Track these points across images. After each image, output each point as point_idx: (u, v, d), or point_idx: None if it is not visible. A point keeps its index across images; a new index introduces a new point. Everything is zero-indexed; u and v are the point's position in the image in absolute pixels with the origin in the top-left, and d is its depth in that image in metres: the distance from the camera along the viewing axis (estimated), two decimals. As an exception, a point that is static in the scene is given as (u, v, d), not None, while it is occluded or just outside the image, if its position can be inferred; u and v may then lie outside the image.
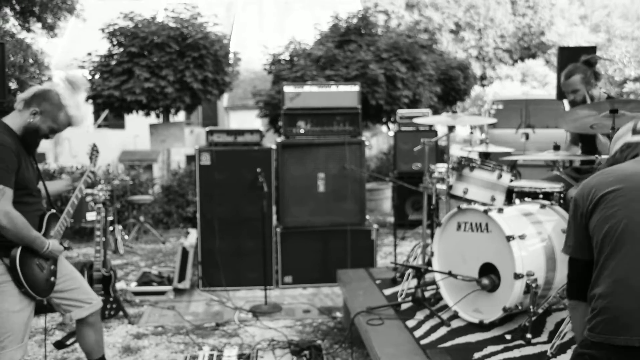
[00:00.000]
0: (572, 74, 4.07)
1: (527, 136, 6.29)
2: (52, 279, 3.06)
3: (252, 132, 5.72)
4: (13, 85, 8.41)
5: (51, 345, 4.01)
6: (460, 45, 32.89)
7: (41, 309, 3.83)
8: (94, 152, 3.54)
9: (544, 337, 3.25)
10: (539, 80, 29.43)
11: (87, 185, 3.36)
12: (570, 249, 2.15)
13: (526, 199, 3.90)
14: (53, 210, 3.12)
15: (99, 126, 17.26)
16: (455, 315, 3.61)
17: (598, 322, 1.90)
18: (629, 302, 1.86)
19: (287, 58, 10.89)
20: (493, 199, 4.01)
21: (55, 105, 2.95)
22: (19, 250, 2.83)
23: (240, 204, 5.60)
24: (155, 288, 5.49)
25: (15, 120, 2.94)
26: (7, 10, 9.62)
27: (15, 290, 2.85)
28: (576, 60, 4.18)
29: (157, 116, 10.61)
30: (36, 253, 2.92)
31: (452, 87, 13.30)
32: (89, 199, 7.05)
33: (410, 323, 3.59)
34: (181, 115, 12.96)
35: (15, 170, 2.81)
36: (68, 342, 3.90)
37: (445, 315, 3.62)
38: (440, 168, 4.56)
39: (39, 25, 10.36)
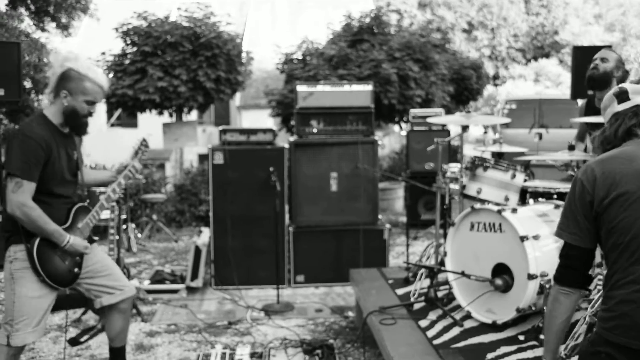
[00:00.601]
0: (615, 52, 4.05)
1: (540, 136, 6.24)
2: (76, 270, 3.10)
3: (265, 131, 5.73)
4: (28, 84, 8.48)
5: (65, 342, 4.04)
6: (473, 45, 32.71)
7: (58, 306, 3.86)
8: (141, 146, 3.47)
9: (557, 338, 3.23)
10: (552, 80, 29.20)
11: (129, 179, 3.36)
12: (573, 236, 2.02)
13: (540, 199, 3.89)
14: (83, 203, 3.17)
15: (112, 125, 17.36)
16: (468, 316, 3.60)
17: (619, 324, 1.85)
18: None
19: (300, 57, 10.90)
20: (507, 199, 3.99)
21: (78, 79, 2.99)
22: (37, 239, 2.90)
23: (252, 202, 5.62)
24: (168, 286, 5.52)
25: (51, 111, 3.03)
26: (22, 10, 9.71)
27: (34, 277, 2.92)
28: (589, 60, 4.14)
29: (170, 115, 10.66)
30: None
31: (464, 87, 13.21)
32: (102, 197, 7.11)
33: (423, 323, 3.59)
34: (194, 115, 13.00)
35: (40, 164, 2.87)
36: (82, 339, 3.92)
37: (458, 316, 3.60)
38: (453, 168, 4.54)
39: (54, 24, 10.45)
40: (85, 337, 3.92)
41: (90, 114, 3.05)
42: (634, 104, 2.01)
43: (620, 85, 2.04)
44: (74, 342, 3.91)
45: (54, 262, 2.97)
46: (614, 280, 1.92)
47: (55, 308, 3.38)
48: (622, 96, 2.02)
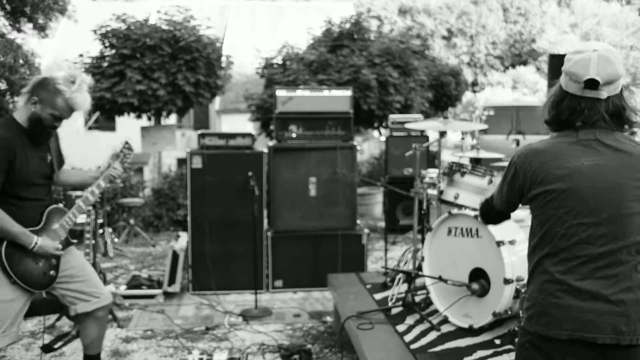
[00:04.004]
0: None
1: (517, 142, 6.34)
2: (52, 272, 3.06)
3: (244, 135, 5.72)
4: (3, 85, 8.35)
5: (38, 349, 3.98)
6: (452, 52, 32.99)
7: (33, 312, 3.80)
8: (124, 149, 3.36)
9: (533, 342, 3.26)
10: (529, 87, 29.57)
11: (109, 182, 3.31)
12: (502, 204, 2.22)
13: (516, 204, 3.92)
14: (58, 205, 3.13)
15: (90, 128, 17.17)
16: (445, 320, 3.62)
17: (534, 314, 1.96)
18: (563, 300, 1.91)
19: (280, 62, 10.89)
20: (484, 204, 4.02)
21: (51, 92, 2.95)
22: (4, 242, 2.86)
23: (231, 207, 5.59)
24: (144, 291, 5.46)
25: (21, 113, 3.00)
26: (-2, 10, 9.56)
27: (4, 280, 2.89)
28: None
29: (149, 119, 10.57)
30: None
31: (443, 93, 13.32)
32: (79, 200, 7.02)
33: (401, 328, 3.60)
34: (173, 118, 12.92)
35: (4, 166, 2.83)
36: (56, 346, 3.86)
37: (435, 320, 3.62)
38: (432, 173, 4.56)
39: (30, 25, 10.28)
40: (60, 344, 3.86)
41: (54, 127, 3.03)
42: (595, 97, 1.96)
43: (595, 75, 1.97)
44: (47, 348, 3.84)
45: (26, 264, 2.94)
46: (531, 270, 2.04)
47: (30, 314, 3.33)
48: (592, 84, 1.96)
